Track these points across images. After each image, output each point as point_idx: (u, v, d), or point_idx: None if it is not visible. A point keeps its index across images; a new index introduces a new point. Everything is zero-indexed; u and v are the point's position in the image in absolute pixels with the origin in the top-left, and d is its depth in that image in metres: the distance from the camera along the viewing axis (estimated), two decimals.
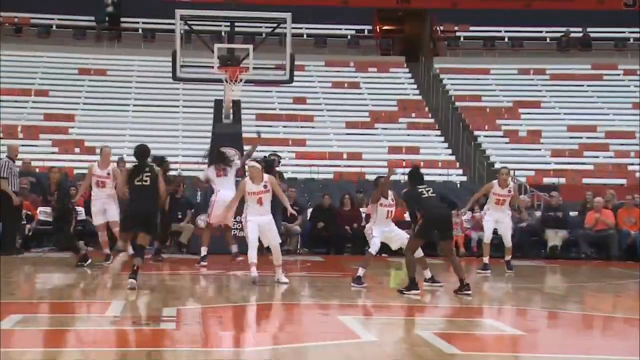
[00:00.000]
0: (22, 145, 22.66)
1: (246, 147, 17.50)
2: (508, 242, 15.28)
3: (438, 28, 33.39)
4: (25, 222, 18.22)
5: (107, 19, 31.69)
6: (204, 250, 15.09)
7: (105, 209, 14.83)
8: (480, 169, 25.71)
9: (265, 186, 12.36)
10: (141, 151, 11.91)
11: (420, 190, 11.91)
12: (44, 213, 18.61)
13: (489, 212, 15.32)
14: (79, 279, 13.11)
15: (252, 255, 12.27)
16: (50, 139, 25.33)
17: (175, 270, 14.88)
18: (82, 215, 18.60)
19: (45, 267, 15.14)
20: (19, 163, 17.98)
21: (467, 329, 9.06)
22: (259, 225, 12.30)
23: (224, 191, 14.89)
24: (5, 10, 31.57)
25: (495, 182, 15.43)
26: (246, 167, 13.13)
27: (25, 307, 9.87)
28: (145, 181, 11.65)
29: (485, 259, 15.12)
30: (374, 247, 12.38)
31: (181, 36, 18.78)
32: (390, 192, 12.53)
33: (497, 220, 15.25)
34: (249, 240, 12.31)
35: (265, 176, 12.46)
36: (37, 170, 21.43)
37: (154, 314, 9.52)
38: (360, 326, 8.78)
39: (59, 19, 31.85)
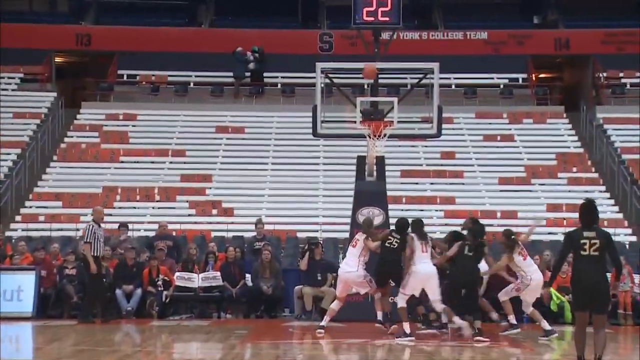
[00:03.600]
0: (159, 208, 23.26)
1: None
2: None
3: (601, 75, 32.64)
4: (162, 288, 18.59)
5: (248, 75, 32.21)
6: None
7: None
8: None
9: None
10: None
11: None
12: (181, 279, 18.93)
13: None
14: (217, 349, 13.25)
15: None
16: (187, 201, 25.91)
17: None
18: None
19: (182, 335, 15.38)
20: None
21: None
22: None
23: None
24: (142, 69, 32.75)
25: None
26: None
27: None
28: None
29: None
30: None
31: (322, 90, 18.99)
32: None
33: None
34: None
35: None
36: (174, 233, 21.92)
37: None
38: None
39: (196, 76, 32.71)
